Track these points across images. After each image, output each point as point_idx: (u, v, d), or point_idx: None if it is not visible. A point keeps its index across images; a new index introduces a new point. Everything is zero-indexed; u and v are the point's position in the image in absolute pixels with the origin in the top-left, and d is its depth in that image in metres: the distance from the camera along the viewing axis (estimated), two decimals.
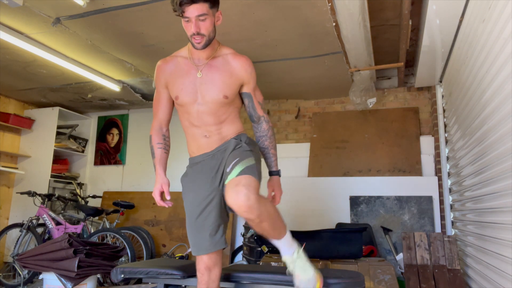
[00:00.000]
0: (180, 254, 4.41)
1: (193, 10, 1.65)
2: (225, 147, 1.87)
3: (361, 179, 4.27)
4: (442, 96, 4.04)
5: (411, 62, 4.26)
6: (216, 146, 1.88)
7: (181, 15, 1.67)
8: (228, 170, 1.72)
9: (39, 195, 4.31)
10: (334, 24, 2.93)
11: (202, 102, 1.83)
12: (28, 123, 5.09)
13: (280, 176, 2.00)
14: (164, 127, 1.99)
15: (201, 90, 1.83)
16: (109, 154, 5.54)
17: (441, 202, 3.94)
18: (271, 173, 2.01)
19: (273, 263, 2.87)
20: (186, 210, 1.91)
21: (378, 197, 4.14)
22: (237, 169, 1.68)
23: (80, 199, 4.76)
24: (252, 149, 1.87)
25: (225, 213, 1.91)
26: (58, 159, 5.38)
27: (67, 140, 5.34)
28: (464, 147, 3.10)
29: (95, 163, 5.58)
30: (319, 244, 2.86)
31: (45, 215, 4.23)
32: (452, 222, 3.82)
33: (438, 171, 4.04)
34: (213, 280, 1.82)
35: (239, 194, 1.57)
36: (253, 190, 1.60)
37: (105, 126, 5.65)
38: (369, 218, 4.11)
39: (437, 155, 4.06)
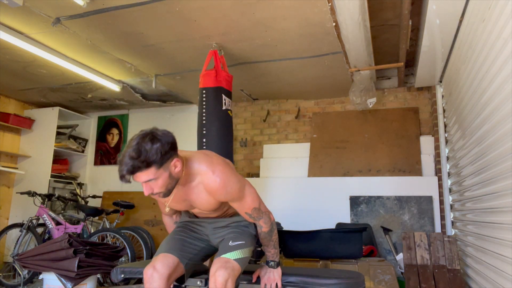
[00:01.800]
0: None
1: (139, 177, 1.56)
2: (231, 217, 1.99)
3: (361, 179, 4.27)
4: (442, 96, 4.04)
5: (411, 62, 4.26)
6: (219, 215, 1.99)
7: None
8: (230, 243, 1.81)
9: (39, 195, 4.31)
10: (334, 24, 2.93)
11: (201, 210, 1.91)
12: (28, 123, 5.09)
13: (274, 268, 1.91)
14: (174, 216, 2.15)
15: (194, 206, 1.87)
16: (109, 154, 5.54)
17: (441, 202, 3.94)
18: (266, 262, 1.97)
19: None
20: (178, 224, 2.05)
21: (378, 197, 4.14)
22: (237, 253, 1.77)
23: (80, 199, 4.76)
24: (256, 233, 1.96)
25: (200, 260, 1.98)
26: (58, 159, 5.38)
27: (67, 140, 5.34)
28: (464, 147, 3.09)
29: (95, 163, 5.58)
30: (319, 244, 2.86)
31: (45, 215, 4.23)
32: (452, 222, 3.82)
33: (438, 171, 4.04)
34: (155, 279, 1.75)
35: (223, 274, 1.67)
36: (234, 277, 1.72)
37: (105, 126, 5.65)
38: (369, 218, 4.11)
39: (437, 155, 4.06)
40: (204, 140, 3.24)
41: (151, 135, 1.54)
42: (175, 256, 1.83)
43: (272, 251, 1.92)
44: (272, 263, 1.92)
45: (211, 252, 2.04)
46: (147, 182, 1.57)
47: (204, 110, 3.27)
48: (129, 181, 1.55)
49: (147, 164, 1.52)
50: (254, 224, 1.95)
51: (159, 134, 1.56)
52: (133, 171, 1.51)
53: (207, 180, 1.70)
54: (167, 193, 1.66)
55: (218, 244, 1.93)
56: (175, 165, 1.61)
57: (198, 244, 1.97)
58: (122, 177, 1.53)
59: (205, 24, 3.00)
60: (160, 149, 1.53)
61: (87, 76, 4.05)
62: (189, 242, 1.94)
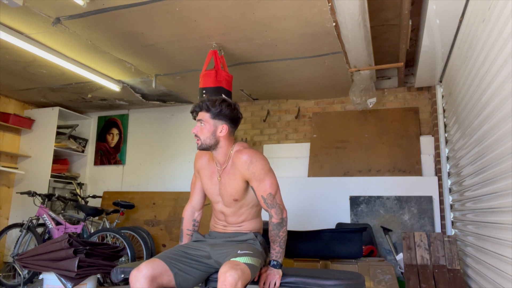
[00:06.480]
0: None
1: (198, 115, 2.02)
2: (240, 235, 2.06)
3: (361, 179, 4.27)
4: (442, 96, 4.04)
5: (411, 62, 4.26)
6: (231, 232, 2.09)
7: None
8: (239, 251, 1.83)
9: (39, 195, 4.30)
10: (334, 24, 2.93)
11: (222, 204, 2.07)
12: (28, 123, 5.09)
13: (275, 268, 1.94)
14: (196, 212, 2.25)
15: (220, 194, 2.06)
16: (109, 154, 5.53)
17: (441, 202, 3.94)
18: (269, 262, 1.99)
19: None
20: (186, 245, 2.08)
21: (378, 197, 4.14)
22: (246, 259, 1.78)
23: (80, 199, 4.76)
24: (263, 250, 2.02)
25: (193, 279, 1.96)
26: (58, 159, 5.38)
27: (67, 140, 5.34)
28: (464, 147, 3.09)
29: (95, 163, 5.58)
30: (319, 244, 2.86)
31: (45, 215, 4.23)
32: (452, 222, 3.82)
33: (438, 171, 4.04)
34: (138, 278, 1.77)
35: (234, 274, 1.65)
36: (244, 281, 1.71)
37: (105, 126, 5.65)
38: (369, 218, 4.11)
39: (437, 155, 4.06)
40: None
41: (228, 101, 2.01)
42: (163, 262, 1.85)
43: (277, 249, 1.95)
44: (275, 262, 1.94)
45: (207, 274, 2.00)
46: (199, 121, 1.99)
47: None
48: (194, 116, 2.03)
49: (207, 109, 1.98)
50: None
51: (232, 105, 2.01)
52: (199, 105, 2.01)
53: (238, 153, 1.98)
54: (202, 144, 1.98)
55: (221, 259, 1.87)
56: (222, 128, 1.98)
57: (194, 259, 1.96)
58: (192, 111, 2.05)
59: (205, 24, 3.00)
60: (223, 109, 1.97)
61: (87, 76, 4.04)
62: (184, 255, 1.95)
